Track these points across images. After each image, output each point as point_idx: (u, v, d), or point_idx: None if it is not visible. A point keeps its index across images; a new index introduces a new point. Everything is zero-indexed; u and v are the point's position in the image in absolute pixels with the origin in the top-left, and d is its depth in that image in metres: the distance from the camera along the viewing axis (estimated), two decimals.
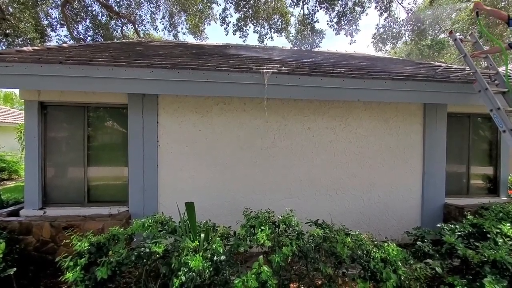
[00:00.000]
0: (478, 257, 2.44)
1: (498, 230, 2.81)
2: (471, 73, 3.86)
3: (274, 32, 11.45)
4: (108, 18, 14.15)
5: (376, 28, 11.32)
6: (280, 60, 5.21)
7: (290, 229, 2.67)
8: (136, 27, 14.84)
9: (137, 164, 4.09)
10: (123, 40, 9.70)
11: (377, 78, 3.93)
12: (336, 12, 9.65)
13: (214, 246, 2.21)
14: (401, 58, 8.61)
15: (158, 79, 3.45)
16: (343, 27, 9.92)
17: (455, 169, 5.08)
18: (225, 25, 13.10)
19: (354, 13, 9.61)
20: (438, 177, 4.79)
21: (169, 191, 4.19)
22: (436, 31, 12.91)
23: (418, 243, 3.00)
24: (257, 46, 9.97)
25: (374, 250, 2.45)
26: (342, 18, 9.83)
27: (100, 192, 4.22)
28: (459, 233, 2.99)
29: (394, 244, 2.56)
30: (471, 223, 3.06)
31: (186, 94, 4.10)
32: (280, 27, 11.31)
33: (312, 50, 9.85)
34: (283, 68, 3.93)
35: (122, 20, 14.66)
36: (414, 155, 4.77)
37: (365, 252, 2.42)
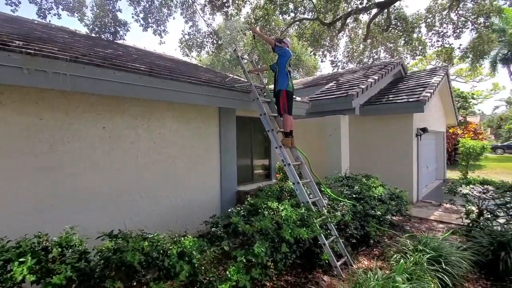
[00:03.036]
0: (251, 229, 3.08)
1: (265, 205, 3.69)
2: (248, 85, 4.89)
3: (63, 10, 9.18)
4: None
5: (182, 34, 12.13)
6: (63, 43, 4.21)
7: (70, 251, 2.16)
8: None
9: None
10: None
11: (176, 80, 4.07)
12: (142, 7, 9.26)
13: None
14: (204, 66, 9.63)
15: None
16: (150, 24, 9.68)
17: (243, 162, 6.27)
18: None
19: (161, 13, 9.63)
20: (232, 170, 5.71)
21: None
22: (233, 49, 15.80)
23: (213, 229, 3.38)
24: (35, 21, 7.64)
25: (171, 247, 2.46)
26: (149, 16, 9.57)
27: None
28: (243, 213, 3.67)
29: (190, 236, 2.72)
30: (249, 203, 3.83)
31: None
32: (72, 5, 9.25)
33: (115, 41, 8.90)
34: (61, 52, 3.16)
35: None
36: (213, 152, 5.41)
37: (161, 252, 2.39)
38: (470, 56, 9.99)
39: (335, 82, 9.20)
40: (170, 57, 9.23)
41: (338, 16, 9.64)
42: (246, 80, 5.11)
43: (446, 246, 4.02)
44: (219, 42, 10.37)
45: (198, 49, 10.96)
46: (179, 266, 2.22)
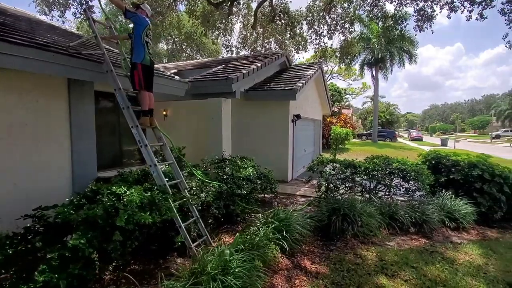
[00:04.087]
0: (77, 218, 2.64)
1: (108, 191, 3.26)
2: (101, 54, 4.19)
3: None
4: None
5: None
6: None
7: None
8: None
9: None
10: None
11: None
12: None
13: None
14: (58, 25, 7.76)
15: None
16: None
17: (108, 145, 5.50)
18: None
19: None
20: (89, 154, 4.89)
21: None
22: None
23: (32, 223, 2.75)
24: None
25: None
26: None
27: None
28: (78, 201, 3.15)
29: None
30: (90, 190, 3.33)
31: None
32: None
33: None
34: None
35: None
36: (59, 133, 4.47)
37: None
38: (338, 55, 11.84)
39: (224, 65, 9.19)
40: (16, 11, 7.17)
41: None
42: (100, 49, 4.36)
43: (293, 216, 4.59)
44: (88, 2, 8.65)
45: (62, 8, 8.88)
46: None
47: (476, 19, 7.77)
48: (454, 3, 8.79)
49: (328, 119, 19.75)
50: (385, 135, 35.61)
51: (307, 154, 12.76)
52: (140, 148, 3.91)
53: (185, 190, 4.15)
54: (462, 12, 8.09)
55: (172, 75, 6.45)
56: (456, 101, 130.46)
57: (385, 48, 25.59)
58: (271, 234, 3.87)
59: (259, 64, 8.28)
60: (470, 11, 7.95)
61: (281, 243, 3.82)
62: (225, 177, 5.20)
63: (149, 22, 3.96)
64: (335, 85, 25.23)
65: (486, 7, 7.53)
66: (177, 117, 8.56)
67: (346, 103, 44.95)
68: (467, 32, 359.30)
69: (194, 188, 4.37)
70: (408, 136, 48.50)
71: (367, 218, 4.79)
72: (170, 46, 25.07)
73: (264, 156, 8.91)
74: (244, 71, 7.35)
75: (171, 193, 3.74)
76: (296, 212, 4.81)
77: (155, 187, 3.66)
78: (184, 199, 4.00)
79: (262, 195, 6.71)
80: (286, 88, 7.94)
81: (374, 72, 28.88)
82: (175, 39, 23.45)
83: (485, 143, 41.04)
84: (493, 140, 43.71)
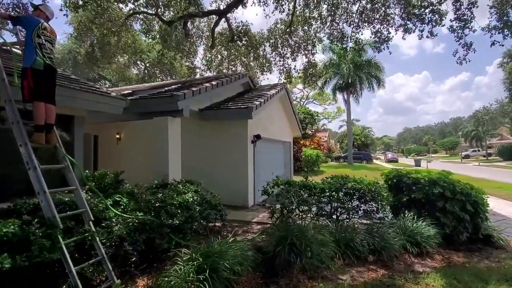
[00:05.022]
0: None
1: None
2: None
3: None
4: None
5: None
6: None
7: None
8: None
9: None
10: None
11: None
12: None
13: None
14: None
15: None
16: None
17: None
18: None
19: None
20: None
21: None
22: None
23: None
24: None
25: None
26: None
27: None
28: None
29: None
30: None
31: None
32: None
33: None
34: None
35: None
36: None
37: None
38: (302, 77, 11.85)
39: (180, 85, 8.73)
40: None
41: (179, 15, 9.36)
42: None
43: (232, 249, 3.88)
44: None
45: None
46: None
47: (427, 36, 7.93)
48: (408, 26, 9.08)
49: (302, 142, 19.57)
50: (362, 157, 36.06)
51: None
52: (28, 171, 3.15)
53: (90, 222, 3.36)
54: (414, 31, 8.27)
55: (109, 91, 5.84)
56: (427, 124, 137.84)
57: (354, 73, 26.61)
58: (191, 275, 3.12)
59: (214, 83, 7.88)
60: (422, 31, 8.14)
61: (202, 286, 3.06)
62: (157, 204, 4.45)
63: (42, 21, 3.39)
64: (307, 108, 25.58)
65: (435, 25, 7.72)
66: (128, 139, 7.82)
67: (322, 127, 45.83)
68: (432, 61, 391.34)
69: (108, 222, 3.59)
70: (384, 158, 49.58)
71: (317, 247, 4.14)
72: (142, 71, 24.67)
73: (223, 180, 8.22)
74: (194, 89, 6.87)
75: (60, 227, 2.95)
76: (239, 244, 4.10)
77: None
78: (86, 234, 3.21)
79: (212, 224, 5.95)
80: (242, 106, 7.51)
81: (345, 96, 29.76)
82: (147, 64, 23.15)
83: (456, 162, 42.57)
84: (463, 159, 45.51)
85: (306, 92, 42.51)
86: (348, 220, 5.45)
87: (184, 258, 3.48)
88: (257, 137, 8.32)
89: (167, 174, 6.26)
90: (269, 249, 4.25)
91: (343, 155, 39.87)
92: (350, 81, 27.06)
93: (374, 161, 41.72)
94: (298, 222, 5.22)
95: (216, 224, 6.05)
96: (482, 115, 46.36)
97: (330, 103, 42.58)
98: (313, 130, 23.66)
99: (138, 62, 22.84)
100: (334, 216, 5.33)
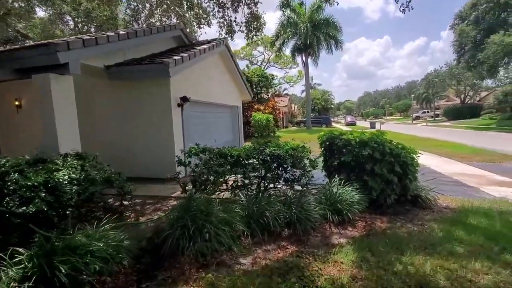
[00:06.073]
0: None
1: None
2: None
3: None
4: None
5: None
6: None
7: None
8: None
9: None
10: None
11: None
12: None
13: None
14: None
15: None
16: None
17: None
18: None
19: None
20: None
21: None
22: None
23: None
24: None
25: None
26: None
27: None
28: None
29: None
30: None
31: None
32: None
33: None
34: None
35: None
36: None
37: None
38: (245, 31, 10.53)
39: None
40: None
41: None
42: None
43: (106, 238, 3.01)
44: None
45: None
46: None
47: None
48: None
49: (256, 107, 18.65)
50: (321, 121, 36.50)
51: (221, 145, 11.34)
52: None
53: None
54: None
55: None
56: (385, 88, 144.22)
57: (312, 33, 25.44)
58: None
59: (123, 32, 6.36)
60: None
61: None
62: (12, 187, 3.34)
63: None
64: (262, 70, 24.30)
65: None
66: (4, 104, 6.23)
67: (284, 91, 45.14)
68: (393, 25, 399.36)
69: None
70: (344, 122, 51.14)
71: (219, 226, 3.43)
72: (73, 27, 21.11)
73: (144, 151, 7.14)
74: (87, 37, 5.39)
75: None
76: (118, 231, 3.23)
77: None
78: None
79: (119, 203, 5.01)
80: (157, 61, 6.21)
81: (304, 58, 28.81)
82: (76, 19, 19.69)
83: (408, 123, 45.27)
84: (414, 121, 48.54)
85: (267, 55, 40.75)
86: (275, 191, 4.84)
87: (15, 260, 2.53)
88: (184, 99, 7.17)
89: (56, 146, 5.02)
90: (161, 234, 3.46)
91: (302, 119, 40.09)
92: (308, 42, 25.95)
93: (334, 124, 42.75)
94: (213, 196, 4.50)
95: (124, 202, 5.12)
96: (433, 77, 48.74)
97: (291, 66, 41.50)
98: (269, 94, 22.76)
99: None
100: (255, 187, 4.64)
